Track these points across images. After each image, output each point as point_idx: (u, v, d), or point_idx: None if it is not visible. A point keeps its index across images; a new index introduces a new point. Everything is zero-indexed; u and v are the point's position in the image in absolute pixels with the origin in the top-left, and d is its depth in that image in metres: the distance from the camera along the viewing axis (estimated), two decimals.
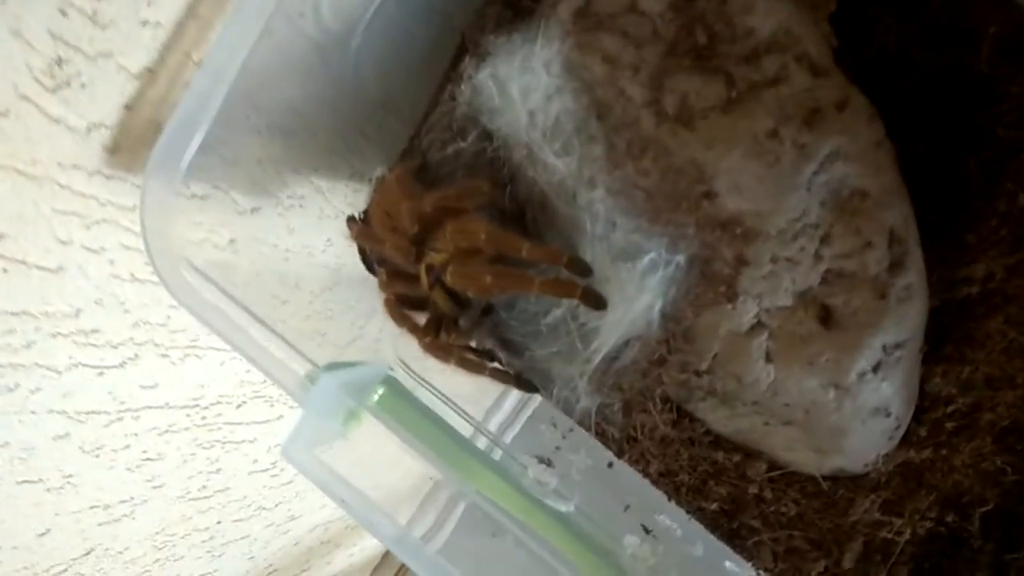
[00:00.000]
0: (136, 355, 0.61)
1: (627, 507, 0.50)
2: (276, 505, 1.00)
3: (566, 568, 0.40)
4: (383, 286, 0.53)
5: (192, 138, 0.44)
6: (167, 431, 0.73)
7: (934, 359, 0.48)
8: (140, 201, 0.46)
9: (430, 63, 0.62)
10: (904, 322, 0.43)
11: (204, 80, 0.44)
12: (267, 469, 0.93)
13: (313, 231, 0.69)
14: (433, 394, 0.51)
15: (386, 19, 0.58)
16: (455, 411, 0.52)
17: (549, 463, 0.49)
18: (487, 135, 0.55)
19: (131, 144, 0.49)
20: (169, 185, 0.45)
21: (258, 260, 0.63)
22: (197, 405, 0.74)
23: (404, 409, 0.51)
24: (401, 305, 0.53)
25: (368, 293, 0.58)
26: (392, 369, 0.50)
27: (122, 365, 0.60)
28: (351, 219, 0.57)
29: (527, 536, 0.44)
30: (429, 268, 0.50)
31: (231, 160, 0.57)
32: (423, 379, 0.52)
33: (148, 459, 0.72)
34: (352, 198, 0.69)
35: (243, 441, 0.86)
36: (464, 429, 0.50)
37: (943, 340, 0.48)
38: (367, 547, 1.35)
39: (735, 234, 0.43)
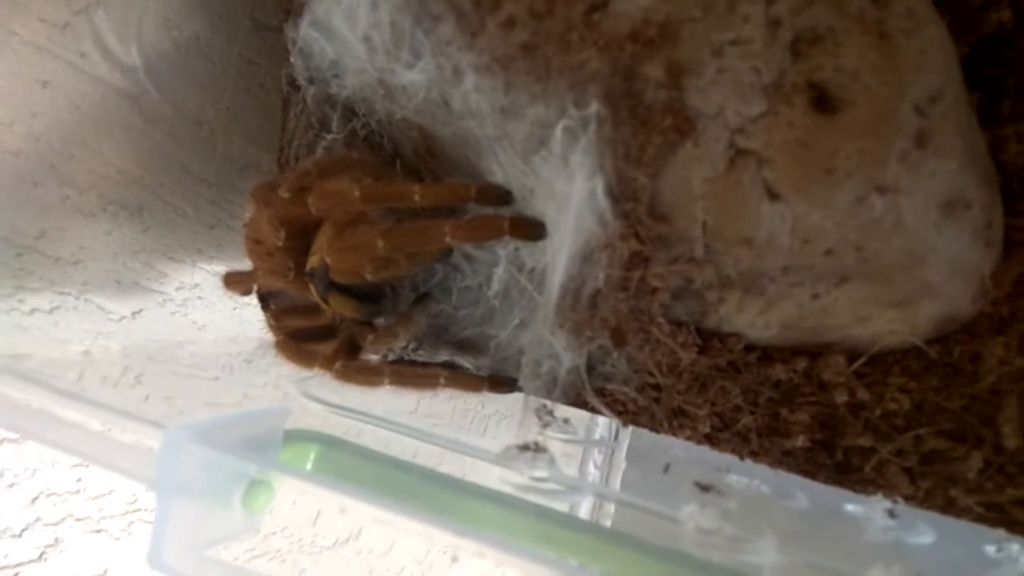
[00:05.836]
0: None
1: (666, 467, 0.35)
2: None
3: None
4: (272, 328, 0.41)
5: None
6: None
7: (994, 121, 0.35)
8: None
9: (266, 74, 0.53)
10: (927, 63, 0.30)
11: None
12: None
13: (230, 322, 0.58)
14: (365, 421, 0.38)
15: (194, 36, 0.48)
16: (408, 434, 0.39)
17: (536, 448, 0.35)
18: (349, 109, 0.44)
19: None
20: None
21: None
22: None
23: (351, 463, 0.37)
24: (301, 341, 0.40)
25: None
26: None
27: None
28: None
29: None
30: (312, 275, 0.38)
31: (69, 260, 0.46)
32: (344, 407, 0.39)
33: None
34: None
35: None
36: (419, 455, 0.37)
37: (996, 95, 0.35)
38: None
39: (650, 40, 0.31)
